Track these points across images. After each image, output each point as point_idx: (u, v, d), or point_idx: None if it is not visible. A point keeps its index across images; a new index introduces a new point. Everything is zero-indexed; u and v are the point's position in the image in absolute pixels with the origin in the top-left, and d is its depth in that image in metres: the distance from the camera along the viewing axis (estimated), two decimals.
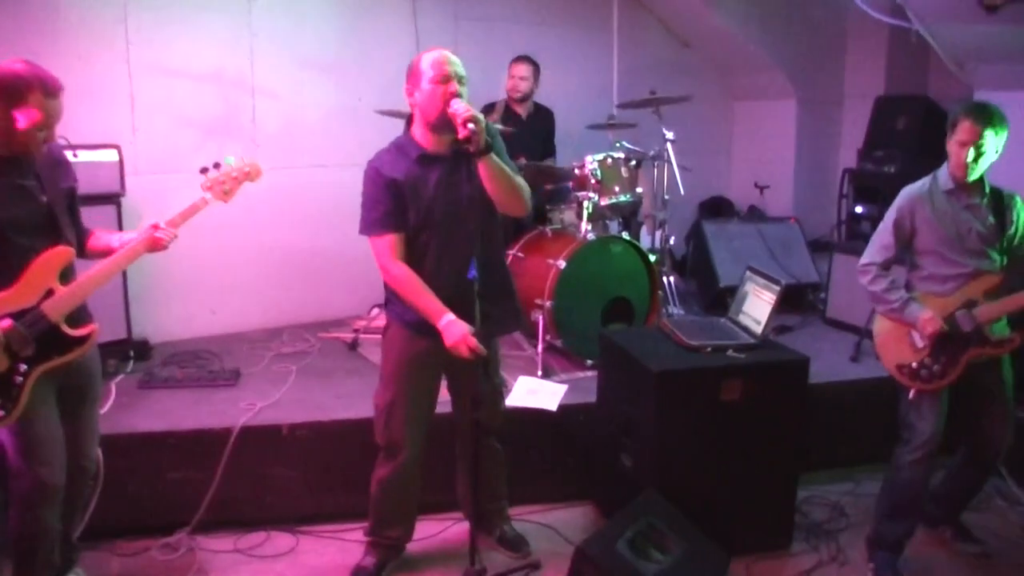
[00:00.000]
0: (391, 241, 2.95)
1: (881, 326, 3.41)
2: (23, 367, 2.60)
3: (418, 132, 2.99)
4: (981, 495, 3.73)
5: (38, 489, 2.73)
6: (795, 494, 3.58)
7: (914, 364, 3.25)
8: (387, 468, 3.19)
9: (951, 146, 3.21)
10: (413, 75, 2.93)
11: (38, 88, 2.53)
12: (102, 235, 2.93)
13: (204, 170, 2.92)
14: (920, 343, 3.24)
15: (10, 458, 2.74)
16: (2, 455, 2.78)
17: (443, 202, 2.96)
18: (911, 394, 3.26)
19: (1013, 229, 3.28)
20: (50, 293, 2.64)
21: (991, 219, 3.25)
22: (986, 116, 3.12)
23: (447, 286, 2.96)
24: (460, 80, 2.88)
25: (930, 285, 3.31)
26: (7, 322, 2.56)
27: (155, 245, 2.80)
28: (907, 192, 3.35)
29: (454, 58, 2.92)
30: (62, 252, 2.69)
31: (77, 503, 3.02)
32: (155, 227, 2.80)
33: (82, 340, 2.73)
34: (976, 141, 3.11)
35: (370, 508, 3.28)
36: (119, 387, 4.06)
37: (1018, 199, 3.31)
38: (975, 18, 4.79)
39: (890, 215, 3.35)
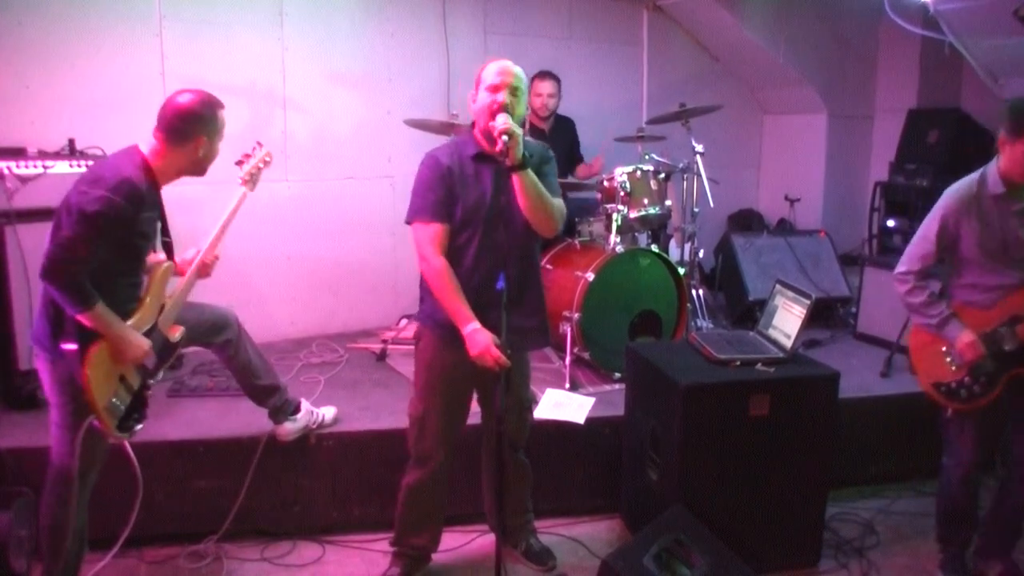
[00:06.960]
0: (436, 231, 2.94)
1: (916, 340, 3.26)
2: (150, 381, 2.90)
3: (478, 135, 3.01)
4: None
5: (73, 482, 2.78)
6: (824, 511, 3.54)
7: (953, 383, 3.11)
8: (416, 474, 3.19)
9: (1018, 147, 2.91)
10: (476, 81, 2.96)
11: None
12: None
13: (240, 162, 3.15)
14: (959, 361, 3.10)
15: (55, 451, 2.79)
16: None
17: (490, 204, 2.95)
18: (948, 412, 3.14)
19: None
20: (161, 308, 2.89)
21: None
22: None
23: (478, 291, 2.96)
24: (513, 91, 2.89)
25: (970, 294, 3.11)
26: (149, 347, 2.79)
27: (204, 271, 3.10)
28: (954, 194, 3.08)
29: (513, 68, 2.92)
30: (172, 267, 2.96)
31: (240, 361, 3.49)
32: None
33: (178, 343, 3.00)
34: None
35: (396, 516, 3.28)
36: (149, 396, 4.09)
37: None
38: (1010, 31, 4.74)
39: (933, 219, 3.09)
